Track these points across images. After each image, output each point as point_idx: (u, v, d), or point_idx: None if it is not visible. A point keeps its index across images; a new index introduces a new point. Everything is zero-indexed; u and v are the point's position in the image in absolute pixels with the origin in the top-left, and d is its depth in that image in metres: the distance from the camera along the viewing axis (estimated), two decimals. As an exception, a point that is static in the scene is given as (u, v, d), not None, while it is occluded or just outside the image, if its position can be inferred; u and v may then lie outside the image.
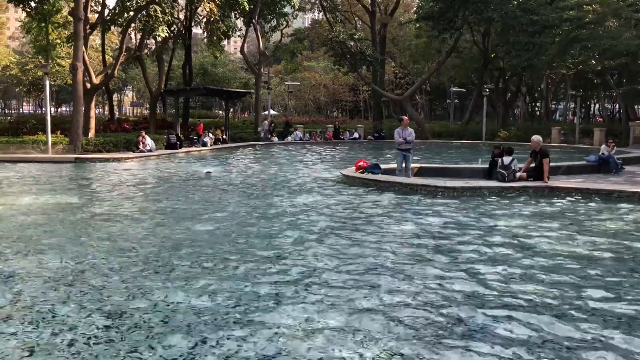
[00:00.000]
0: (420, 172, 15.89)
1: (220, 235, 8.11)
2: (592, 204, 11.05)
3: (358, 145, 34.31)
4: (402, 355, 4.01)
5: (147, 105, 59.10)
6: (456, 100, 58.26)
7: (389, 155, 21.50)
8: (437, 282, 5.81)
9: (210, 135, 31.68)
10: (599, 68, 36.88)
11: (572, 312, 4.92)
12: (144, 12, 30.10)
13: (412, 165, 15.39)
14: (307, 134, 37.54)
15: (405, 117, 15.89)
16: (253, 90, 44.02)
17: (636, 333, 4.45)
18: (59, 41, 38.12)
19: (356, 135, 38.02)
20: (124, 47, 31.61)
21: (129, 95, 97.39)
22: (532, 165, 13.32)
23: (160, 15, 29.97)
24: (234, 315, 4.76)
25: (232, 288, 5.52)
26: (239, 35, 44.69)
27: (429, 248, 7.35)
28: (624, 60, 32.72)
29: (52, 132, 23.91)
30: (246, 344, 4.19)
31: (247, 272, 6.14)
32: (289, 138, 36.34)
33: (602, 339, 4.34)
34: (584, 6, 32.68)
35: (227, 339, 4.27)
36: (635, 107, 42.18)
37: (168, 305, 5.01)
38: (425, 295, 5.35)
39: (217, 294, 5.32)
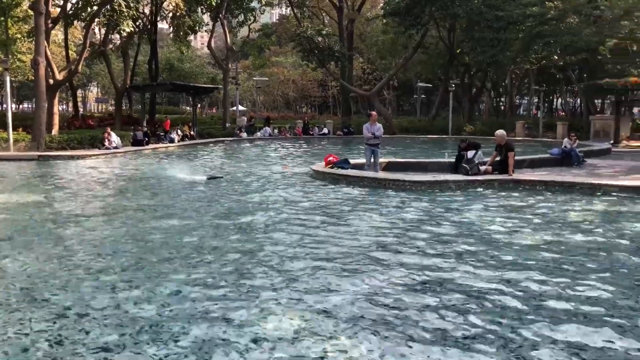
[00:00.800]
0: (389, 167, 16.06)
1: (187, 230, 8.06)
2: (555, 196, 11.36)
3: (327, 140, 34.40)
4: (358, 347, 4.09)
5: (113, 102, 58.05)
6: (423, 96, 58.85)
7: (358, 151, 21.62)
8: (404, 273, 5.91)
9: (178, 131, 31.32)
10: (561, 63, 37.74)
11: (531, 302, 5.08)
12: (107, 7, 29.52)
13: (381, 160, 15.56)
14: (277, 130, 37.46)
15: (374, 113, 16.05)
16: (221, 86, 43.65)
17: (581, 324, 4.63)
18: (19, 36, 37.14)
19: (325, 130, 38.09)
20: (88, 42, 30.96)
21: (93, 92, 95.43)
22: (498, 159, 13.61)
23: (124, 9, 29.46)
24: (201, 311, 4.78)
25: (199, 283, 5.53)
26: (205, 31, 44.20)
27: (395, 241, 7.46)
28: (585, 56, 33.51)
29: (14, 129, 23.31)
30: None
31: (208, 271, 6.14)
32: (258, 134, 36.19)
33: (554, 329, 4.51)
34: (547, 3, 33.35)
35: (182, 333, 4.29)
36: (596, 101, 43.35)
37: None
38: (384, 289, 5.45)
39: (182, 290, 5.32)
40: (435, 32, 41.01)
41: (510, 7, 34.12)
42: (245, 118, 41.58)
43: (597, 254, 6.80)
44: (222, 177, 14.74)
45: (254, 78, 56.18)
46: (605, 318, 4.65)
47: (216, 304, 4.92)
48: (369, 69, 57.40)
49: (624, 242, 7.47)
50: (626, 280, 5.72)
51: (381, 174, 14.03)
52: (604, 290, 5.37)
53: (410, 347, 4.08)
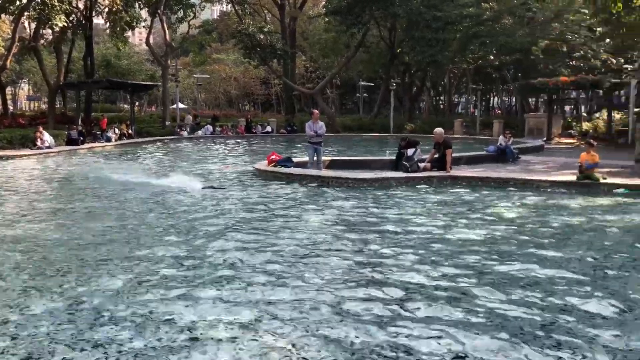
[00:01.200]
0: (332, 165, 16.13)
1: (118, 228, 7.80)
2: (491, 192, 11.71)
3: (271, 138, 34.21)
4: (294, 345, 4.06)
5: (46, 99, 55.63)
6: (365, 95, 59.49)
7: (301, 149, 21.60)
8: (345, 270, 5.92)
9: (115, 130, 30.37)
10: (497, 63, 39.01)
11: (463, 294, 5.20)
12: (38, 0, 28.23)
13: (324, 158, 15.61)
14: (219, 128, 36.94)
15: (316, 111, 16.08)
16: (160, 83, 42.63)
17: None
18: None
19: (269, 128, 37.87)
20: (17, 36, 29.51)
21: (24, 89, 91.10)
22: (436, 156, 13.91)
23: (56, 3, 28.22)
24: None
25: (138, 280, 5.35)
26: (144, 26, 43.02)
27: (336, 238, 7.48)
28: (519, 56, 34.76)
29: (-64, 128, 21.99)
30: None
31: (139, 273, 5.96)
32: (199, 132, 35.57)
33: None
34: (482, 4, 34.42)
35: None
36: (530, 100, 45.05)
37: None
38: (325, 286, 5.45)
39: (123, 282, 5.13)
40: (377, 31, 41.52)
41: (449, 8, 34.96)
42: (191, 116, 40.73)
43: (527, 245, 7.04)
44: (225, 188, 12.31)
45: (195, 75, 55.21)
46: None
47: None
48: (312, 67, 57.47)
49: (549, 232, 7.77)
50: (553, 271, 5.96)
51: (324, 172, 14.06)
52: (539, 275, 5.56)
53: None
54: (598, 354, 3.93)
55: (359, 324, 4.44)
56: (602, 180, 11.91)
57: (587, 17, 33.34)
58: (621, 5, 19.00)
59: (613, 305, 4.89)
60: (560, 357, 3.87)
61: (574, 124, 34.67)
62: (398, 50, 41.19)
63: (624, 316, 4.68)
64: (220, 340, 4.13)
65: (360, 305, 4.85)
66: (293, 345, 4.04)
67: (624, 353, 3.96)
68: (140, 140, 30.67)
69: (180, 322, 4.47)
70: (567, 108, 49.11)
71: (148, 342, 4.10)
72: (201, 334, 4.24)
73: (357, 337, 4.18)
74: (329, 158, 16.73)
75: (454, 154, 14.56)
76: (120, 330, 4.31)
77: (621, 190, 11.42)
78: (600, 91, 33.64)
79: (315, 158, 14.83)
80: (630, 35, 35.17)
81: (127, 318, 4.55)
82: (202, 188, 12.13)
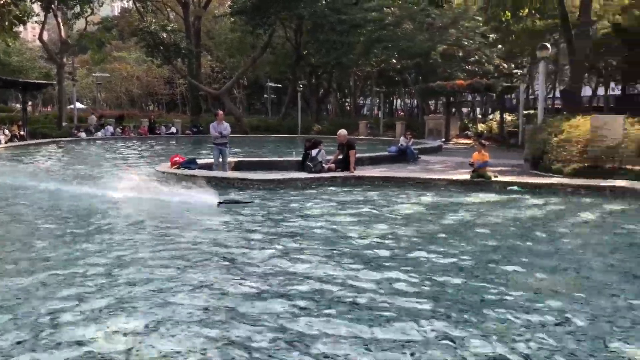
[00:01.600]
0: (238, 166, 16.00)
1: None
2: (392, 191, 12.12)
3: (175, 140, 33.35)
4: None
5: None
6: (273, 96, 59.54)
7: (207, 150, 21.24)
8: (245, 271, 5.91)
9: (5, 131, 28.31)
10: (399, 67, 40.35)
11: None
12: None
13: (230, 159, 15.45)
14: (120, 129, 35.47)
15: (220, 112, 15.91)
16: (55, 82, 40.27)
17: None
18: None
19: (173, 129, 36.88)
20: None
21: None
22: (340, 157, 14.21)
23: None
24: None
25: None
26: (36, 22, 40.40)
27: (239, 239, 7.44)
28: (419, 60, 36.19)
29: None
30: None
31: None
32: (99, 134, 33.99)
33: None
34: (385, 9, 35.52)
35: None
36: (430, 102, 47.02)
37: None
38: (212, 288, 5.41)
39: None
40: (283, 32, 41.66)
41: (353, 12, 35.74)
42: (95, 117, 38.79)
43: (424, 238, 7.37)
44: (252, 202, 10.41)
45: (94, 74, 52.71)
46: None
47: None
48: (219, 67, 56.62)
49: (444, 226, 8.18)
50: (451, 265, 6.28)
51: (229, 174, 13.92)
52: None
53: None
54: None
55: (259, 327, 4.44)
56: (493, 179, 12.67)
57: (481, 25, 35.45)
58: (509, 14, 20.43)
59: (494, 288, 5.25)
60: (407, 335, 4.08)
61: (470, 125, 36.65)
62: (304, 52, 41.57)
63: (503, 296, 5.03)
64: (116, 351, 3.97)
65: (258, 306, 4.85)
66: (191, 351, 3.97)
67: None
68: (34, 142, 28.80)
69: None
70: (464, 110, 51.72)
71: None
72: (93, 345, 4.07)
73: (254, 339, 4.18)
74: (236, 159, 16.58)
75: (358, 155, 14.94)
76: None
77: (515, 187, 12.20)
78: (494, 94, 35.77)
79: (220, 159, 14.65)
80: (518, 42, 37.81)
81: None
82: (220, 203, 9.93)
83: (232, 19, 42.40)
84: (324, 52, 36.39)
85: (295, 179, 12.93)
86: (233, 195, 11.20)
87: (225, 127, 14.69)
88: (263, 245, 7.17)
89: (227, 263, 6.33)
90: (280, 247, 7.05)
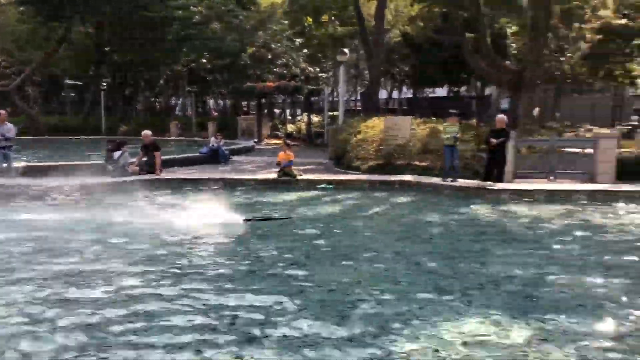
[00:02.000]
0: (28, 172, 14.38)
1: None
2: (202, 193, 11.96)
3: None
4: None
5: None
6: (73, 94, 54.96)
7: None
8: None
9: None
10: (210, 66, 39.95)
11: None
12: None
13: (16, 164, 13.88)
14: None
15: (3, 111, 14.12)
16: None
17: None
18: None
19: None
20: None
21: None
22: (145, 159, 13.59)
23: None
24: None
25: None
26: None
27: (27, 250, 6.74)
28: (229, 61, 36.21)
29: None
30: None
31: None
32: None
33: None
34: (192, 7, 34.87)
35: None
36: (243, 103, 47.32)
37: None
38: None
39: None
40: (82, 27, 38.66)
41: (158, 9, 34.46)
42: None
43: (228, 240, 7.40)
44: (291, 218, 9.45)
45: None
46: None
47: None
48: (7, 62, 50.61)
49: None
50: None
51: (15, 180, 12.49)
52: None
53: None
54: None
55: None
56: (298, 177, 13.17)
57: (287, 29, 36.69)
58: (311, 19, 21.38)
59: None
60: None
61: (280, 126, 37.73)
62: (107, 49, 39.10)
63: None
64: None
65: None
66: None
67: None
68: None
69: None
70: (276, 111, 53.11)
71: None
72: None
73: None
74: (24, 164, 14.90)
75: (169, 156, 14.46)
76: None
77: (324, 185, 12.75)
78: (301, 96, 37.24)
79: (5, 164, 13.08)
80: (322, 47, 39.92)
81: None
82: (245, 220, 8.78)
83: (20, 9, 38.15)
84: (127, 48, 34.50)
85: (94, 184, 12.03)
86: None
87: (9, 128, 13.14)
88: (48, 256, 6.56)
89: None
90: (71, 260, 6.51)
